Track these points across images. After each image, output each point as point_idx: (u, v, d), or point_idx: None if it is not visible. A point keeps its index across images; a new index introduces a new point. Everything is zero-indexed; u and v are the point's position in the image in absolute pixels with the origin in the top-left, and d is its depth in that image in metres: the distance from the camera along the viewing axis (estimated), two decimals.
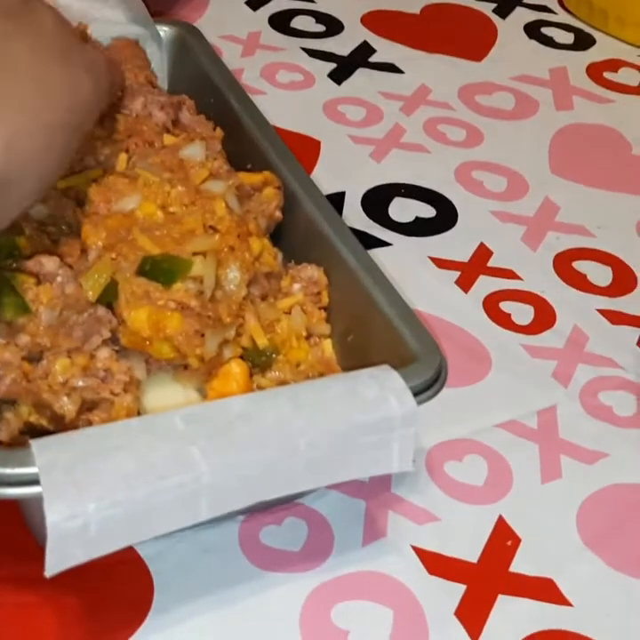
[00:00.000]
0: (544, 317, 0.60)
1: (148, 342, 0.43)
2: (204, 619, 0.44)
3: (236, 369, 0.45)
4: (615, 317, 0.60)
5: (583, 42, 0.87)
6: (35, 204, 0.41)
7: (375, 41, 0.83)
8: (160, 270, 0.43)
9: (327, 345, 0.49)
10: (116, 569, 0.44)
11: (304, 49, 0.81)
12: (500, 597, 0.46)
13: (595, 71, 0.83)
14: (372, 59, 0.81)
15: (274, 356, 0.47)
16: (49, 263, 0.43)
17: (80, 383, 0.41)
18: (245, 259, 0.46)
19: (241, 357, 0.46)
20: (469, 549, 0.47)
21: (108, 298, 0.43)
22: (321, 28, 0.84)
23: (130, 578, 0.45)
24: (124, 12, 0.60)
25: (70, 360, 0.42)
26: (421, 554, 0.47)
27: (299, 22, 0.84)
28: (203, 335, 0.43)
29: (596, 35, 0.87)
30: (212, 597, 0.44)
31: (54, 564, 0.36)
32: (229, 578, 0.45)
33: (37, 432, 0.43)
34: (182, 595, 0.44)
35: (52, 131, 0.38)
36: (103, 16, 0.60)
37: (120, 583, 0.44)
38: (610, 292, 0.62)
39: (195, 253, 0.45)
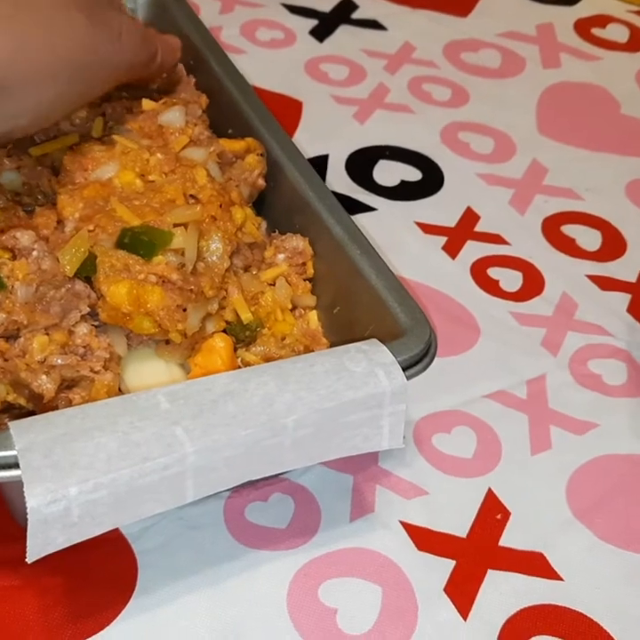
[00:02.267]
0: (533, 284, 0.59)
1: (128, 317, 0.41)
2: (190, 598, 0.43)
3: (220, 344, 0.44)
4: (605, 283, 0.59)
5: None
6: (24, 132, 0.42)
7: None
8: (140, 243, 0.42)
9: (313, 317, 0.47)
10: (98, 548, 0.43)
11: (284, 5, 0.78)
12: (490, 572, 0.45)
13: (582, 27, 0.81)
14: (355, 15, 0.79)
15: (258, 329, 0.46)
16: (24, 237, 0.41)
17: (59, 361, 0.40)
18: (228, 229, 0.45)
19: (224, 331, 0.45)
20: (458, 524, 0.47)
21: (87, 271, 0.42)
22: None
23: (113, 557, 0.44)
24: None
25: (48, 337, 0.40)
26: (410, 529, 0.46)
27: None
28: (185, 309, 0.42)
29: None
30: (198, 577, 0.43)
31: (36, 550, 0.35)
32: (215, 556, 0.44)
33: (16, 411, 0.41)
34: (167, 574, 0.43)
35: (61, 63, 0.40)
36: None
37: (103, 563, 0.43)
38: (599, 256, 0.61)
39: (175, 225, 0.43)
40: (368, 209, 0.62)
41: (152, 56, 0.48)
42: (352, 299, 0.46)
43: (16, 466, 0.34)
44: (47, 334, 0.40)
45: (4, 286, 0.40)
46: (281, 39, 0.75)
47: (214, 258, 0.44)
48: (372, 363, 0.39)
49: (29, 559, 0.35)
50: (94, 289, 0.42)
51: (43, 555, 0.35)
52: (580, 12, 0.83)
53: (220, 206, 0.45)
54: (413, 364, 0.41)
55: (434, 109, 0.70)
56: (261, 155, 0.50)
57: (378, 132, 0.68)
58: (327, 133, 0.67)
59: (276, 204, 0.51)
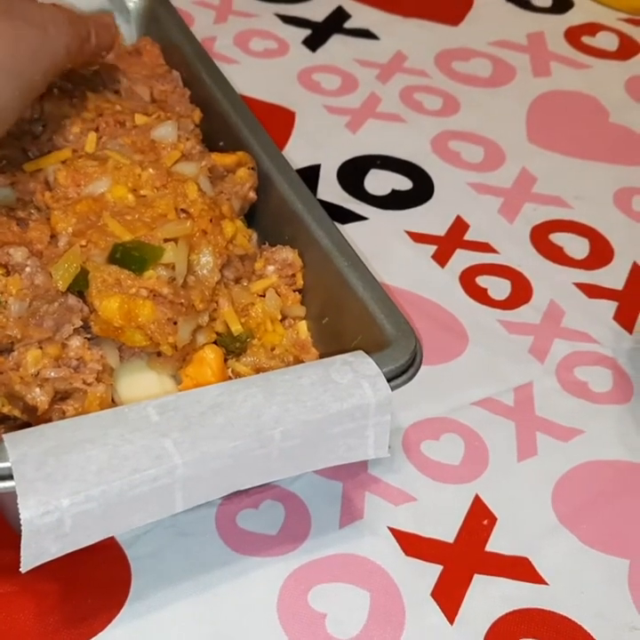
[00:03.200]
0: (521, 292, 0.60)
1: (120, 331, 0.42)
2: (182, 604, 0.44)
3: (211, 355, 0.45)
4: (592, 291, 0.60)
5: (561, 4, 0.86)
6: None
7: (350, 5, 0.82)
8: (131, 258, 0.43)
9: (302, 327, 0.48)
10: (93, 555, 0.44)
11: (278, 15, 0.79)
12: (477, 577, 0.46)
13: (573, 35, 0.82)
14: (347, 24, 0.80)
15: (248, 340, 0.47)
16: (17, 254, 0.42)
17: (52, 374, 0.41)
18: (218, 243, 0.46)
19: (215, 343, 0.46)
20: (446, 529, 0.48)
21: (79, 286, 0.43)
22: None
23: (107, 564, 0.45)
24: None
25: (41, 351, 0.41)
26: (398, 535, 0.47)
27: None
28: (175, 323, 0.43)
29: None
30: (190, 582, 0.44)
31: (30, 560, 0.36)
32: (207, 562, 0.45)
33: (11, 422, 0.42)
34: (160, 580, 0.44)
35: None
36: None
37: (97, 569, 0.44)
38: (587, 264, 0.62)
39: (166, 240, 0.44)
40: (359, 218, 0.63)
41: (85, 39, 0.48)
42: (340, 309, 0.47)
43: (10, 477, 0.36)
44: (40, 348, 0.41)
45: None
46: (274, 49, 0.76)
47: (205, 271, 0.45)
48: (357, 374, 0.40)
49: (23, 569, 0.36)
50: (87, 303, 0.43)
51: (37, 564, 0.36)
52: (570, 19, 0.84)
53: (211, 220, 0.46)
54: (399, 375, 0.42)
55: (425, 118, 0.71)
56: (252, 168, 0.51)
57: (369, 141, 0.69)
58: (319, 143, 0.68)
59: (267, 216, 0.52)
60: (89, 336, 0.43)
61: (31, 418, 0.42)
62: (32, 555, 0.35)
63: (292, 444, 0.39)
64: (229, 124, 0.54)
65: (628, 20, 0.84)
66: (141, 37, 0.61)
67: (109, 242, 0.44)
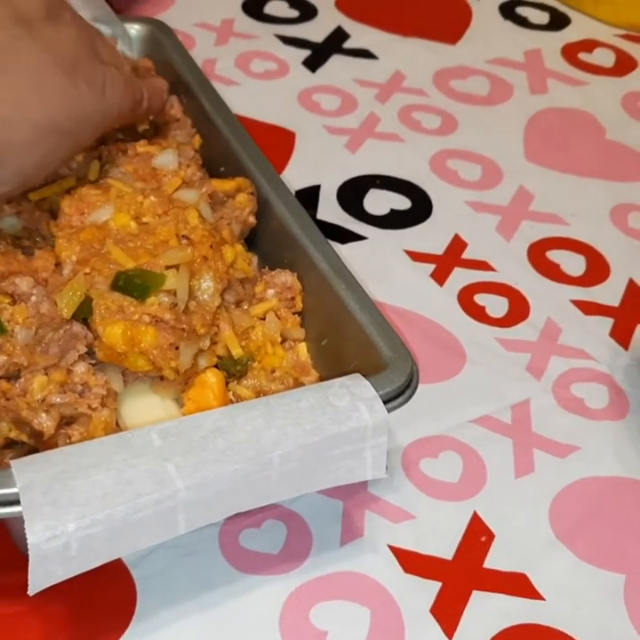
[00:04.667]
0: (518, 310, 0.61)
1: (123, 356, 0.43)
2: (187, 622, 0.45)
3: (212, 379, 0.46)
4: (588, 308, 0.61)
5: (558, 22, 0.87)
6: (10, 194, 0.44)
7: (349, 26, 0.83)
8: (133, 285, 0.44)
9: (302, 349, 0.49)
10: (99, 575, 0.45)
11: (278, 36, 0.81)
12: (475, 593, 0.47)
13: (570, 52, 0.83)
14: (347, 44, 0.81)
15: (249, 363, 0.48)
16: (23, 283, 0.43)
17: (57, 399, 0.42)
18: (219, 268, 0.47)
19: (216, 366, 0.47)
20: (444, 547, 0.49)
21: (83, 313, 0.44)
22: (295, 12, 0.84)
23: (113, 584, 0.46)
24: (91, 12, 0.60)
25: (47, 377, 0.42)
26: (397, 553, 0.48)
27: (272, 8, 0.84)
28: (177, 348, 0.44)
29: (571, 14, 0.88)
30: (194, 601, 0.45)
31: (37, 583, 0.37)
32: (211, 581, 0.46)
33: (18, 446, 0.43)
34: (165, 599, 0.45)
35: (40, 129, 0.42)
36: None
37: (104, 589, 0.45)
38: (583, 281, 0.63)
39: (168, 267, 0.45)
40: (359, 238, 0.64)
41: (138, 102, 0.50)
42: (338, 332, 0.48)
43: (17, 503, 0.37)
44: (46, 374, 0.42)
45: (5, 330, 0.42)
46: (274, 70, 0.77)
47: (206, 296, 0.46)
48: (354, 397, 0.41)
49: (31, 592, 0.37)
50: (91, 329, 0.44)
51: (44, 587, 0.37)
52: (567, 36, 0.85)
53: (211, 246, 0.47)
54: (395, 397, 0.43)
55: (423, 138, 0.72)
56: (251, 193, 0.52)
57: (368, 161, 0.70)
58: (319, 163, 0.69)
59: (266, 240, 0.53)
60: (93, 362, 0.44)
61: (38, 442, 0.43)
62: (39, 578, 0.36)
63: (291, 466, 0.40)
64: (229, 149, 0.55)
65: (624, 37, 0.85)
66: (139, 59, 0.62)
67: (113, 269, 0.45)
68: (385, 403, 0.42)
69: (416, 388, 0.44)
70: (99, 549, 0.37)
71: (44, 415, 0.42)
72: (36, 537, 0.36)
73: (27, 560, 0.36)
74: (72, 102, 0.43)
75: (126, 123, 0.51)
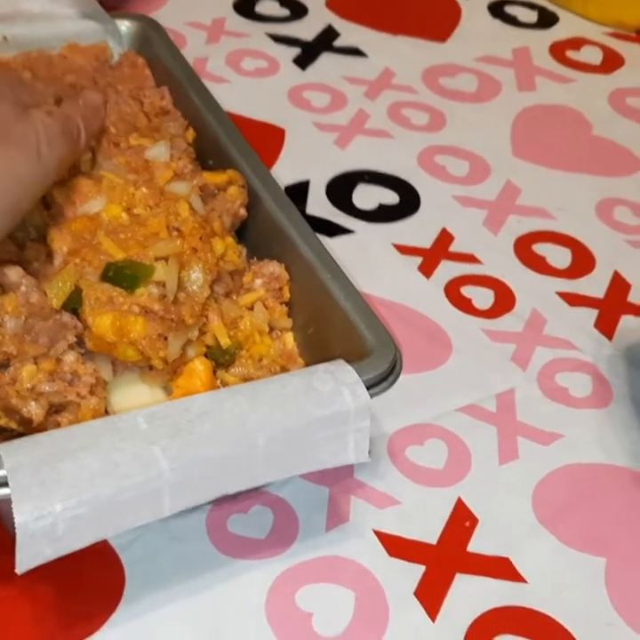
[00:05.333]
0: (504, 301, 0.62)
1: (112, 346, 0.44)
2: (175, 606, 0.46)
3: (200, 367, 0.46)
4: (573, 299, 0.62)
5: (546, 20, 0.88)
6: None
7: (339, 24, 0.84)
8: (123, 276, 0.45)
9: (289, 338, 0.50)
10: (87, 559, 0.46)
11: (269, 34, 0.82)
12: (458, 576, 0.48)
13: (557, 50, 0.84)
14: (337, 43, 0.82)
15: (237, 352, 0.48)
16: (11, 273, 0.44)
17: (47, 388, 0.43)
18: (208, 260, 0.47)
19: (205, 355, 0.47)
20: (429, 531, 0.49)
21: (73, 304, 0.45)
22: (286, 11, 0.85)
23: (102, 567, 0.47)
24: (81, 9, 0.61)
25: (36, 366, 0.43)
26: (382, 537, 0.49)
27: (263, 6, 0.85)
28: (166, 338, 0.45)
29: (560, 12, 0.88)
30: (182, 585, 0.46)
31: (25, 562, 0.38)
32: (198, 565, 0.47)
33: (7, 433, 0.44)
34: (153, 583, 0.46)
35: None
36: (60, 14, 0.61)
37: (92, 573, 0.46)
38: (569, 274, 0.64)
39: (157, 258, 0.46)
40: (347, 232, 0.65)
41: (75, 141, 0.47)
42: (324, 320, 0.49)
43: (5, 485, 0.37)
44: (36, 363, 0.43)
45: None
46: (265, 68, 0.78)
47: (195, 287, 0.47)
48: (337, 382, 0.42)
49: (19, 571, 0.37)
50: (80, 320, 0.45)
51: (31, 567, 0.38)
52: (555, 34, 0.86)
53: (201, 238, 0.48)
54: (379, 382, 0.44)
55: (412, 134, 0.73)
56: (242, 186, 0.53)
57: (358, 157, 0.71)
58: (309, 159, 0.70)
59: (255, 232, 0.54)
60: (83, 351, 0.45)
61: (27, 430, 0.44)
62: (27, 557, 0.37)
63: (276, 449, 0.41)
64: (219, 144, 0.56)
65: (612, 34, 0.86)
66: (126, 52, 0.62)
67: (103, 260, 0.45)
68: (368, 388, 0.43)
69: (399, 373, 0.45)
70: (85, 530, 0.38)
71: (33, 403, 0.43)
72: (23, 517, 0.37)
73: (15, 544, 0.37)
74: (2, 176, 0.39)
75: (67, 167, 0.48)
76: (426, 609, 0.46)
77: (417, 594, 0.47)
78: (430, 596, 0.47)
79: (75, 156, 0.47)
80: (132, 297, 0.45)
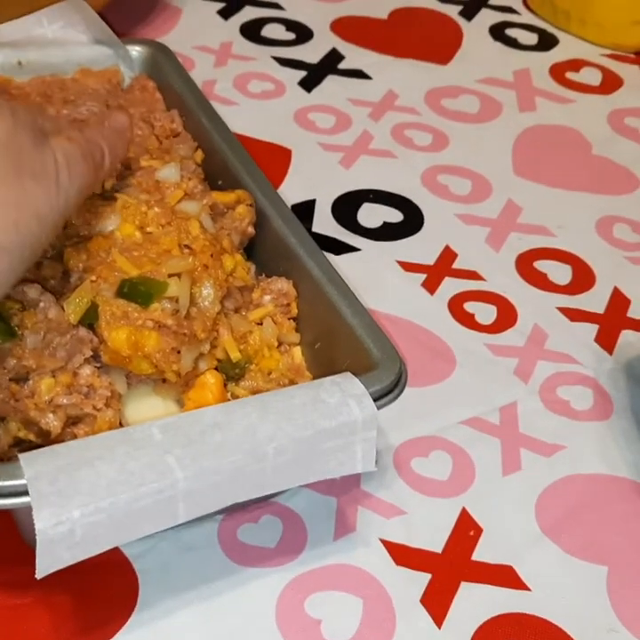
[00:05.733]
0: (506, 317, 0.63)
1: (127, 360, 0.45)
2: (187, 613, 0.47)
3: (211, 380, 0.48)
4: (574, 314, 0.64)
5: (547, 42, 0.90)
6: None
7: (344, 47, 0.86)
8: (138, 292, 0.46)
9: (297, 352, 0.52)
10: (102, 569, 0.47)
11: (275, 58, 0.83)
12: (463, 584, 0.49)
13: (557, 71, 0.86)
14: (341, 65, 0.84)
15: (247, 365, 0.50)
16: (31, 291, 0.46)
17: (64, 401, 0.44)
18: (219, 276, 0.49)
19: (216, 368, 0.49)
20: (434, 540, 0.51)
21: (89, 319, 0.46)
22: (291, 35, 0.87)
23: (116, 576, 0.48)
24: (93, 35, 0.63)
25: (54, 379, 0.45)
26: (389, 546, 0.50)
27: (269, 30, 0.87)
28: (179, 351, 0.46)
29: (560, 35, 0.90)
30: (194, 593, 0.47)
31: (44, 567, 0.39)
32: (210, 574, 0.48)
33: (26, 445, 0.46)
34: (166, 591, 0.47)
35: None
36: (73, 39, 0.63)
37: (107, 582, 0.48)
38: (569, 290, 0.65)
39: (170, 274, 0.47)
40: (353, 249, 0.67)
41: (99, 165, 0.44)
42: (331, 335, 0.50)
43: (26, 493, 0.39)
44: (54, 376, 0.45)
45: (15, 335, 0.45)
46: (271, 90, 0.80)
47: (206, 303, 0.49)
48: (345, 394, 0.44)
49: (38, 575, 0.39)
50: (96, 334, 0.46)
51: (50, 571, 0.39)
52: (555, 56, 0.88)
53: (212, 255, 0.49)
54: (385, 394, 0.45)
55: (415, 154, 0.75)
56: (250, 205, 0.55)
57: (362, 176, 0.72)
58: (315, 179, 0.72)
59: (263, 250, 0.55)
60: (98, 365, 0.46)
61: (45, 442, 0.45)
62: (46, 562, 0.39)
63: (285, 459, 0.42)
64: (228, 164, 0.57)
65: (610, 56, 0.88)
66: (137, 76, 0.64)
67: (118, 277, 0.47)
68: (375, 400, 0.44)
69: (404, 386, 0.46)
70: (102, 536, 0.39)
71: (51, 415, 0.44)
72: (43, 523, 0.38)
73: (33, 554, 0.39)
74: (19, 210, 0.37)
75: (89, 193, 0.45)
76: (432, 616, 0.47)
77: (423, 601, 0.48)
78: (436, 604, 0.48)
79: (98, 181, 0.45)
80: (146, 312, 0.46)
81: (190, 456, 0.41)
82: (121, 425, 0.47)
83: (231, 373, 0.49)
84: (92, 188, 0.44)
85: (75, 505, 0.38)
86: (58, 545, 0.38)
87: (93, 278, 0.47)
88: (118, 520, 0.39)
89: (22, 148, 0.38)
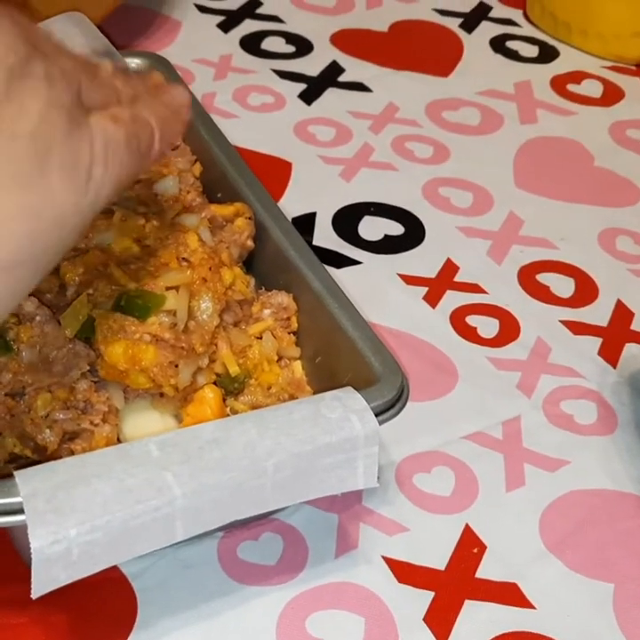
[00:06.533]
0: (509, 330, 0.62)
1: (125, 374, 0.45)
2: (187, 632, 0.46)
3: (210, 394, 0.47)
4: (577, 328, 0.63)
5: (547, 54, 0.89)
6: None
7: (344, 60, 0.85)
8: (135, 305, 0.45)
9: (297, 367, 0.51)
10: (101, 587, 0.47)
11: (274, 70, 0.83)
12: (467, 602, 0.48)
13: (558, 83, 0.85)
14: (342, 78, 0.83)
15: (246, 380, 0.49)
16: (27, 304, 0.45)
17: (61, 416, 0.44)
18: (217, 289, 0.48)
19: (215, 383, 0.48)
20: (437, 557, 0.50)
21: (86, 333, 0.45)
22: (291, 48, 0.86)
23: (114, 595, 0.47)
24: (92, 48, 0.63)
25: (51, 394, 0.44)
26: (391, 563, 0.49)
27: (269, 43, 0.87)
28: (177, 366, 0.45)
29: (560, 47, 0.90)
30: (194, 611, 0.47)
31: (40, 587, 0.38)
32: (209, 592, 0.47)
33: (22, 461, 0.45)
34: (165, 610, 0.47)
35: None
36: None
37: (105, 601, 0.47)
38: (572, 302, 0.65)
39: (168, 288, 0.47)
40: (354, 262, 0.66)
41: (145, 153, 0.36)
42: (332, 349, 0.50)
43: (21, 511, 0.38)
44: (50, 391, 0.44)
45: (11, 349, 0.44)
46: (271, 103, 0.80)
47: (204, 316, 0.48)
48: (346, 409, 0.43)
49: (34, 595, 0.38)
50: (93, 348, 0.46)
51: (46, 591, 0.38)
52: (556, 68, 0.87)
53: (210, 269, 0.49)
54: (387, 409, 0.45)
55: (416, 166, 0.75)
56: (249, 218, 0.54)
57: (363, 189, 0.72)
58: (315, 192, 0.71)
59: (263, 263, 0.55)
60: (95, 379, 0.46)
61: (41, 457, 0.44)
62: (42, 582, 0.38)
63: (285, 475, 0.41)
64: (227, 177, 0.57)
65: (612, 68, 0.88)
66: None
67: (115, 290, 0.46)
68: (376, 415, 0.44)
69: (406, 400, 0.46)
70: (99, 555, 0.39)
71: (47, 431, 0.44)
72: (38, 542, 0.37)
73: (29, 572, 0.38)
74: (39, 218, 0.31)
75: (129, 185, 0.37)
76: (435, 635, 0.47)
77: (426, 620, 0.47)
78: (440, 622, 0.47)
79: (142, 169, 0.37)
80: (143, 326, 0.45)
81: (188, 473, 0.40)
82: (119, 440, 0.46)
83: (230, 388, 0.49)
84: (133, 178, 0.36)
85: (71, 523, 0.38)
86: (54, 564, 0.37)
87: (90, 291, 0.46)
88: (115, 538, 0.38)
89: (53, 136, 0.31)
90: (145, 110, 0.37)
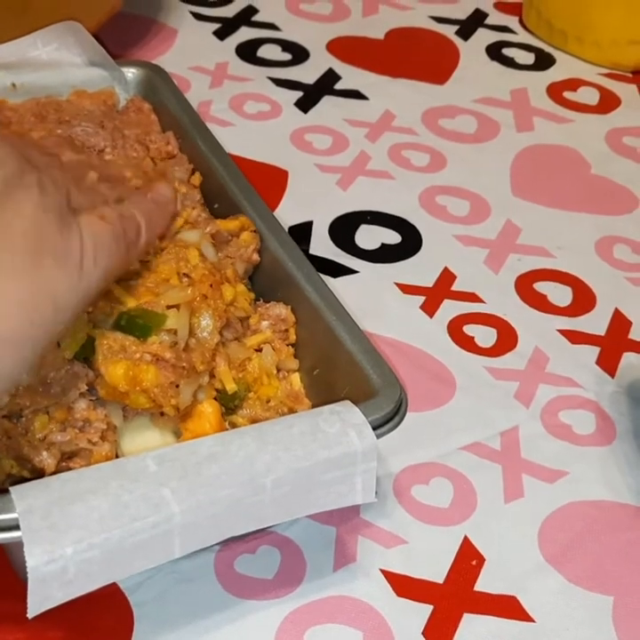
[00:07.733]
0: (506, 339, 0.62)
1: (125, 395, 0.44)
2: None
3: (209, 409, 0.47)
4: (575, 337, 0.63)
5: (543, 62, 0.89)
6: None
7: (340, 68, 0.85)
8: (135, 325, 0.45)
9: (295, 379, 0.51)
10: (97, 601, 0.46)
11: (270, 78, 0.83)
12: (466, 616, 0.48)
13: (555, 91, 0.85)
14: (338, 86, 0.83)
15: (246, 394, 0.49)
16: None
17: (58, 438, 0.43)
18: (218, 306, 0.48)
19: (215, 398, 0.48)
20: (436, 570, 0.50)
21: (85, 353, 0.45)
22: (287, 56, 0.86)
23: (111, 609, 0.47)
24: (88, 57, 0.62)
25: (48, 416, 0.43)
26: (390, 577, 0.49)
27: (265, 51, 0.86)
28: (177, 386, 0.45)
29: (557, 54, 0.90)
30: (191, 626, 0.46)
31: (36, 606, 0.38)
32: (206, 607, 0.47)
33: (20, 481, 0.45)
34: (161, 624, 0.46)
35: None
36: (67, 61, 0.62)
37: (102, 615, 0.46)
38: (570, 311, 0.65)
39: (168, 306, 0.46)
40: (350, 272, 0.66)
41: (131, 246, 0.42)
42: (330, 361, 0.49)
43: (17, 528, 0.38)
44: (47, 413, 0.44)
45: None
46: (267, 111, 0.80)
47: (205, 334, 0.47)
48: (344, 423, 0.43)
49: (30, 615, 0.38)
50: (93, 368, 0.45)
51: (42, 610, 0.38)
52: (552, 75, 0.87)
53: (211, 285, 0.48)
54: (385, 423, 0.44)
55: (413, 175, 0.74)
56: (254, 231, 0.54)
57: (359, 198, 0.72)
58: (312, 201, 0.71)
59: (261, 275, 0.54)
60: (94, 397, 0.45)
61: (39, 478, 0.44)
62: (38, 601, 0.37)
63: (284, 491, 0.41)
64: (224, 188, 0.57)
65: (608, 75, 0.88)
66: (132, 98, 0.63)
67: (115, 308, 0.46)
68: (374, 429, 0.43)
69: (405, 414, 0.45)
70: (96, 573, 0.38)
71: (45, 453, 0.44)
72: (34, 560, 0.37)
73: (26, 589, 0.37)
74: (34, 301, 0.35)
75: (118, 275, 0.43)
76: None
77: (425, 633, 0.47)
78: (439, 636, 0.47)
79: (130, 261, 0.43)
80: (144, 345, 0.45)
81: (186, 489, 0.40)
82: (117, 457, 0.46)
83: (230, 405, 0.48)
84: (122, 268, 0.42)
85: (67, 541, 0.37)
86: (50, 584, 0.37)
87: (90, 310, 0.46)
88: (112, 556, 0.38)
89: (45, 233, 0.36)
90: (131, 206, 0.43)
